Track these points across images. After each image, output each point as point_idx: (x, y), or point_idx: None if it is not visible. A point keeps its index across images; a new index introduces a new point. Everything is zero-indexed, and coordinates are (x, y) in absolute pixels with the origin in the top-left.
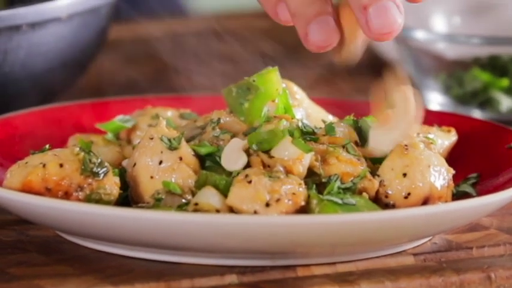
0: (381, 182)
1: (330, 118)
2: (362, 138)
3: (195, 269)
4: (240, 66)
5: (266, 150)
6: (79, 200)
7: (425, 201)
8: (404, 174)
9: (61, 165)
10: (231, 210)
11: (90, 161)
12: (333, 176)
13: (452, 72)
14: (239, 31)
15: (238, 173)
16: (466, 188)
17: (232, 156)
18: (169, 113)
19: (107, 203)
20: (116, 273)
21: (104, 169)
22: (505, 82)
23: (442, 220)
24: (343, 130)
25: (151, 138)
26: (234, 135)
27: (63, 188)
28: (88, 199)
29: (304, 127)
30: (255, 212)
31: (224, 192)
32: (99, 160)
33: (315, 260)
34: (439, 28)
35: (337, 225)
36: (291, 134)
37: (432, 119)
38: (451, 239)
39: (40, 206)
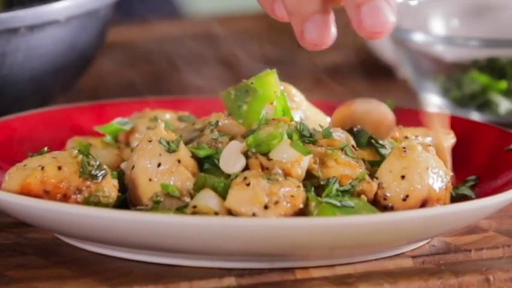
0: (379, 184)
1: (328, 120)
2: (359, 143)
3: (194, 272)
4: (238, 68)
5: (264, 152)
6: (77, 202)
7: (424, 204)
8: (403, 177)
9: (59, 168)
10: (230, 212)
11: (88, 163)
12: (332, 178)
13: (451, 75)
14: (237, 33)
15: (236, 176)
16: (464, 190)
17: (231, 159)
18: (168, 115)
19: (106, 205)
20: (114, 276)
21: (103, 172)
22: (503, 84)
23: (441, 222)
24: (340, 135)
25: (150, 141)
26: (232, 138)
27: (61, 191)
28: (86, 202)
29: (303, 129)
30: (254, 215)
31: (222, 194)
32: (98, 163)
33: (313, 263)
34: (438, 30)
35: (336, 227)
36: (290, 137)
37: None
38: (450, 241)
39: (38, 209)
